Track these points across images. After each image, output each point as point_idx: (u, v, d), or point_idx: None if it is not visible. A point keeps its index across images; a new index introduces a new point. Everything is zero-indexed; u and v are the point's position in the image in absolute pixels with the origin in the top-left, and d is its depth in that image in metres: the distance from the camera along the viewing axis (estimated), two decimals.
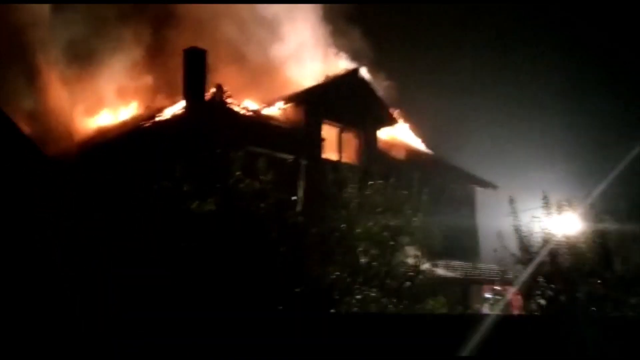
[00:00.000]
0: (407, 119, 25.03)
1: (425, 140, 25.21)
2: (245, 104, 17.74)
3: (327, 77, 18.89)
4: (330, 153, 18.26)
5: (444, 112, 30.26)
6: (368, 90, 18.94)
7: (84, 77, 18.36)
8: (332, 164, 12.43)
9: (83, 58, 18.39)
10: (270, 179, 10.98)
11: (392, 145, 22.00)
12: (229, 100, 16.59)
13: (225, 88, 17.05)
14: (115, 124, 17.94)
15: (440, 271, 15.00)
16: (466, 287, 18.89)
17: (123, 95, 19.18)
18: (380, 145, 20.48)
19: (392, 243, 11.68)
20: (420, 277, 11.60)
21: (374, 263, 11.17)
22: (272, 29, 21.20)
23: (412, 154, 22.74)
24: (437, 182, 21.17)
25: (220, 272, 9.14)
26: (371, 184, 12.67)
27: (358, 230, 11.69)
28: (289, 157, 13.93)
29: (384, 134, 22.66)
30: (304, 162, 13.71)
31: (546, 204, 13.03)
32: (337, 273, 10.78)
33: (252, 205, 10.24)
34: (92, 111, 18.98)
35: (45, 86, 17.65)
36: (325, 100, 17.87)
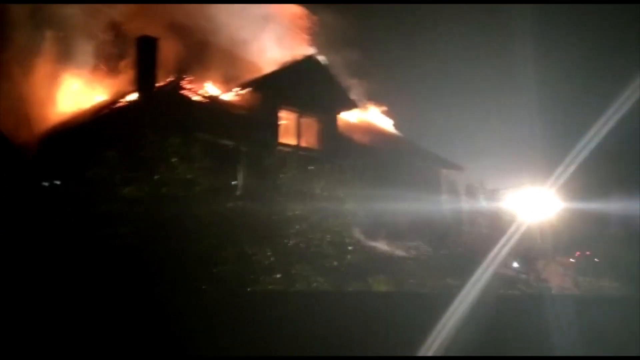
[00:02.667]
0: (381, 103, 25.64)
1: (397, 124, 25.79)
2: (206, 88, 18.24)
3: (285, 62, 19.25)
4: (290, 138, 18.80)
5: (419, 96, 30.68)
6: (326, 76, 19.32)
7: (51, 62, 18.75)
8: (270, 150, 12.84)
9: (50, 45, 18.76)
10: (205, 165, 11.51)
11: (359, 128, 22.48)
12: (187, 86, 17.14)
13: (187, 73, 17.66)
14: (78, 111, 18.38)
15: (387, 249, 15.51)
16: None
17: (90, 80, 19.56)
18: (344, 128, 20.98)
19: (325, 225, 12.24)
20: (349, 257, 12.15)
21: (301, 244, 11.70)
22: (239, 15, 21.47)
23: (380, 136, 23.22)
24: (403, 164, 21.80)
25: (146, 256, 9.71)
26: (311, 168, 13.27)
27: (295, 213, 12.30)
28: (230, 143, 14.40)
29: (354, 118, 23.16)
30: (244, 148, 14.21)
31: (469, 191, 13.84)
32: (269, 254, 11.45)
33: (183, 192, 10.77)
34: (58, 99, 19.38)
35: (9, 73, 18.01)
36: (283, 86, 18.26)
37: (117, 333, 8.90)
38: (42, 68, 17.77)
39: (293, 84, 18.47)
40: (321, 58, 19.61)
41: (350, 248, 12.26)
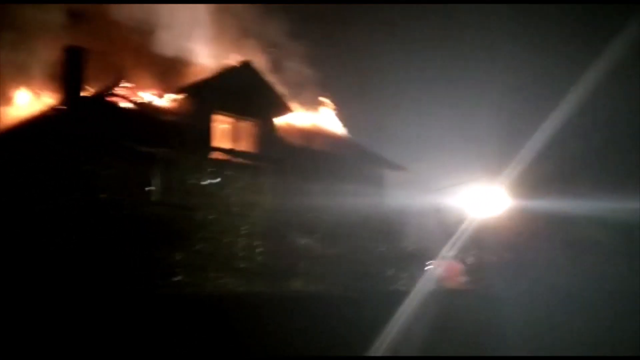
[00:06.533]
0: (333, 105, 26.04)
1: (345, 125, 26.20)
2: (142, 95, 18.50)
3: (221, 68, 19.59)
4: (226, 142, 19.14)
5: (369, 97, 31.05)
6: (261, 81, 19.66)
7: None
8: (188, 156, 13.17)
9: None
10: (112, 172, 11.87)
11: (304, 131, 22.84)
12: (120, 93, 17.41)
13: (122, 80, 17.92)
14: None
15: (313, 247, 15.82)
16: None
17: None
18: (286, 132, 21.35)
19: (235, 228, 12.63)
20: (260, 258, 12.54)
21: (211, 247, 12.07)
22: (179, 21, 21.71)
23: (324, 139, 23.58)
24: (344, 165, 22.18)
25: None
26: (228, 174, 13.66)
27: (207, 217, 12.68)
28: (148, 150, 14.68)
29: (300, 121, 23.53)
30: (162, 154, 14.51)
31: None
32: (181, 257, 11.84)
33: (83, 200, 11.11)
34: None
35: None
36: (218, 91, 18.57)
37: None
38: None
39: (229, 89, 18.77)
40: (257, 64, 19.97)
41: (259, 250, 12.63)
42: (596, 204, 17.09)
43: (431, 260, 15.76)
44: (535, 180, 22.78)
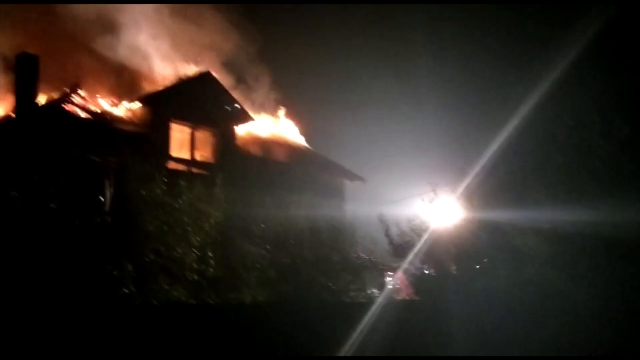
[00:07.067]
0: (293, 116, 26.24)
1: (307, 136, 26.41)
2: (98, 103, 18.34)
3: (179, 77, 19.60)
4: (184, 152, 19.12)
5: (330, 108, 31.43)
6: (220, 91, 19.74)
7: None
8: (141, 165, 13.09)
9: None
10: (63, 181, 11.75)
11: (264, 141, 22.92)
12: (76, 101, 17.23)
13: (79, 88, 17.74)
14: None
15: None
16: None
17: None
18: (246, 142, 21.41)
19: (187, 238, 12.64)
20: (212, 270, 12.58)
21: (162, 258, 12.05)
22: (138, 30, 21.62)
23: (286, 149, 23.71)
24: (303, 175, 22.33)
25: None
26: (182, 184, 13.63)
27: (160, 227, 12.65)
28: (100, 159, 14.60)
29: (262, 131, 23.62)
30: (114, 163, 14.43)
31: None
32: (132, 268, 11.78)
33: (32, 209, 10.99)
34: None
35: None
36: (175, 101, 18.60)
37: None
38: None
39: (187, 99, 18.83)
40: (216, 74, 20.04)
41: (212, 262, 12.66)
42: (538, 215, 17.61)
43: (383, 271, 16.02)
44: (483, 192, 23.29)
